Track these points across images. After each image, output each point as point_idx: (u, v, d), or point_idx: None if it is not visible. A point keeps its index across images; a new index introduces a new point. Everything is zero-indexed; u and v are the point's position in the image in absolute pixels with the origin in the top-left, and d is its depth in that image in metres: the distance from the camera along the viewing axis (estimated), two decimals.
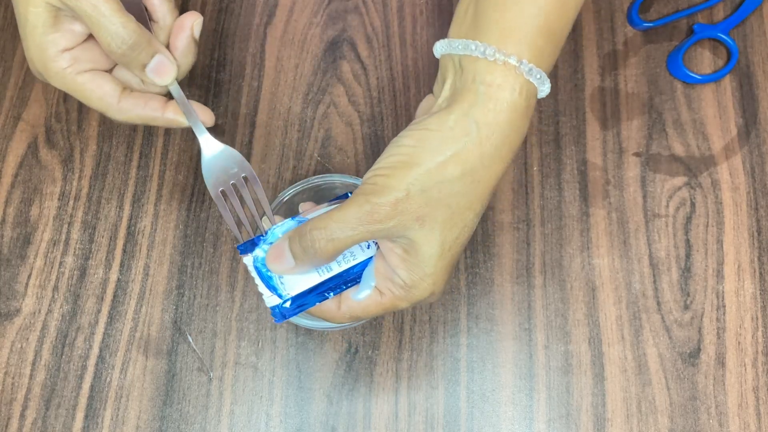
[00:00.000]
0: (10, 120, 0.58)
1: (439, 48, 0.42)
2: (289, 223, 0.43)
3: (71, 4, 0.41)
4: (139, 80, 0.46)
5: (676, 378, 0.51)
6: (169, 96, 0.46)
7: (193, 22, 0.45)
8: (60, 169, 0.57)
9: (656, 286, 0.53)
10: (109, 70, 0.46)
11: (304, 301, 0.43)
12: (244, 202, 0.45)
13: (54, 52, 0.43)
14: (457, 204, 0.39)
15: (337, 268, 0.43)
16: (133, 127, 0.58)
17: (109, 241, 0.55)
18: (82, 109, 0.58)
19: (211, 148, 0.44)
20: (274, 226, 0.43)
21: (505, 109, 0.39)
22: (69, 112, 0.58)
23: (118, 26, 0.42)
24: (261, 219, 0.44)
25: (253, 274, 0.43)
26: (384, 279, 0.41)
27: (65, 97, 0.59)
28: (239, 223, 0.45)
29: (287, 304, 0.43)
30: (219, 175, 0.44)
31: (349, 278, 0.43)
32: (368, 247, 0.43)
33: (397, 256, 0.40)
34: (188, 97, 0.46)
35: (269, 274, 0.42)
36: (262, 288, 0.43)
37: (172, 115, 0.45)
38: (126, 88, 0.45)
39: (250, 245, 0.44)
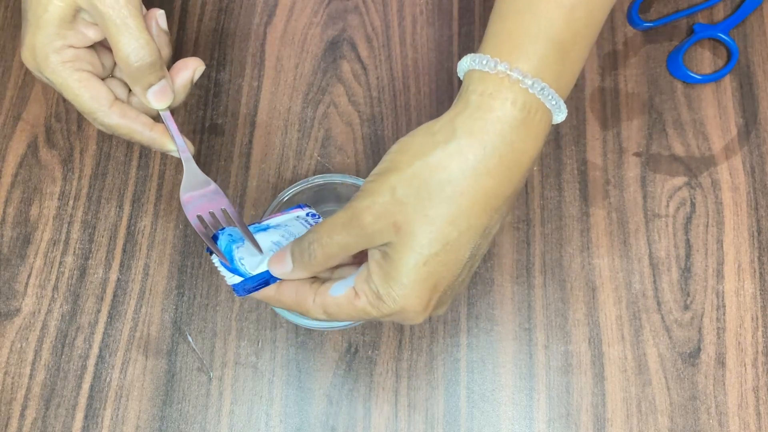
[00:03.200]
0: (10, 120, 0.58)
1: (459, 67, 0.41)
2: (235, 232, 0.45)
3: (102, 10, 0.42)
4: (126, 97, 0.47)
5: (676, 378, 0.51)
6: (157, 119, 0.47)
7: (196, 66, 0.47)
8: (60, 168, 0.57)
9: (656, 286, 0.53)
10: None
11: (264, 276, 0.43)
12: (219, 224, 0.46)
13: (60, 44, 0.43)
14: (436, 215, 0.37)
15: None
16: None
17: (109, 241, 0.55)
18: None
19: (193, 176, 0.45)
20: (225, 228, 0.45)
21: (494, 120, 0.37)
22: (69, 112, 0.58)
23: (142, 42, 0.43)
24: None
25: (217, 264, 0.44)
26: (363, 281, 0.40)
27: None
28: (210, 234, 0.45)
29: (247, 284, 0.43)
30: (197, 203, 0.45)
31: None
32: None
33: (375, 262, 0.39)
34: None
35: (234, 265, 0.43)
36: (224, 271, 0.43)
37: (158, 135, 0.45)
38: (117, 98, 0.46)
39: (213, 244, 0.44)
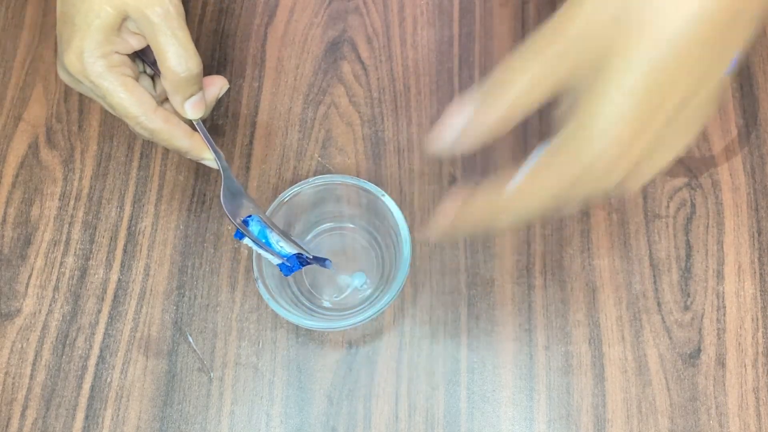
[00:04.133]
0: (11, 120, 0.58)
1: None
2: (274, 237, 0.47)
3: (153, 20, 0.43)
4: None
5: (677, 379, 0.51)
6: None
7: (222, 85, 0.49)
8: (61, 169, 0.57)
9: (656, 287, 0.53)
10: None
11: (303, 255, 0.47)
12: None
13: (109, 50, 0.44)
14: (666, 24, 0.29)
15: None
16: None
17: (110, 242, 0.55)
18: (82, 109, 0.58)
19: (230, 184, 0.48)
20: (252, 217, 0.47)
21: None
22: (70, 113, 0.58)
23: (190, 53, 0.44)
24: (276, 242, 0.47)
25: (254, 246, 0.46)
26: (555, 139, 0.33)
27: (66, 97, 0.59)
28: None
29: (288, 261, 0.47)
30: (234, 210, 0.47)
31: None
32: None
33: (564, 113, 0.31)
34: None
35: (270, 242, 0.46)
36: (266, 253, 0.46)
37: (196, 143, 0.47)
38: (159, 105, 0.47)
39: (241, 231, 0.47)
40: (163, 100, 0.49)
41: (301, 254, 0.47)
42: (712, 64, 0.31)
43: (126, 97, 0.45)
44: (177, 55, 0.44)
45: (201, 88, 0.47)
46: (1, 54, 0.60)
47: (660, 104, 0.31)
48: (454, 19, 0.61)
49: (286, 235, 0.47)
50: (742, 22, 0.31)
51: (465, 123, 0.34)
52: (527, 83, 0.32)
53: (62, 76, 0.47)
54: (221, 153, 0.48)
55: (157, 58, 0.45)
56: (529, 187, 0.34)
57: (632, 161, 0.32)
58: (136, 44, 0.46)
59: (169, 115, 0.46)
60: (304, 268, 0.49)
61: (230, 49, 0.60)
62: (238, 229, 0.46)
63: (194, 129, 0.48)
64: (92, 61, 0.44)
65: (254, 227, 0.46)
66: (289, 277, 0.53)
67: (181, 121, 0.47)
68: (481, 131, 0.34)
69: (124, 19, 0.44)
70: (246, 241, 0.47)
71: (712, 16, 0.30)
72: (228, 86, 0.50)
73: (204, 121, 0.48)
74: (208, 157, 0.48)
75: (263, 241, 0.46)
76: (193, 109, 0.46)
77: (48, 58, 0.60)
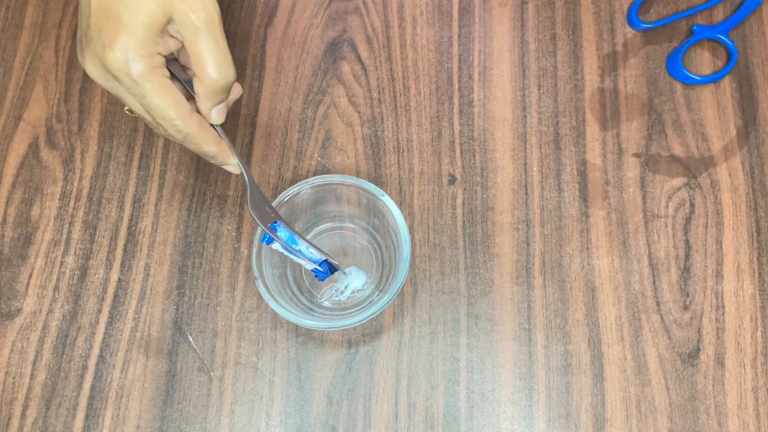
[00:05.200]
0: (11, 120, 0.58)
1: None
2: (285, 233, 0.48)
3: (198, 26, 0.43)
4: None
5: (676, 378, 0.51)
6: None
7: (239, 90, 0.50)
8: (61, 169, 0.57)
9: (656, 287, 0.53)
10: None
11: (330, 261, 0.49)
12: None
13: (154, 50, 0.44)
14: None
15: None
16: (134, 128, 0.58)
17: (110, 241, 0.55)
18: (82, 109, 0.58)
19: (255, 192, 0.48)
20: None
21: None
22: (70, 113, 0.58)
23: (229, 62, 0.45)
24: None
25: (286, 252, 0.48)
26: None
27: (66, 97, 0.59)
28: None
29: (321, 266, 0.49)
30: (259, 216, 0.48)
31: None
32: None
33: None
34: None
35: (298, 248, 0.48)
36: (298, 258, 0.48)
37: (223, 149, 0.47)
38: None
39: (268, 235, 0.47)
40: None
41: (329, 260, 0.48)
42: None
43: (165, 98, 0.44)
44: (216, 62, 0.44)
45: (229, 96, 0.47)
46: (1, 54, 0.60)
47: None
48: (454, 20, 0.61)
49: (309, 242, 0.48)
50: None
51: None
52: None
53: (92, 70, 0.45)
54: (241, 160, 0.49)
55: (194, 63, 0.45)
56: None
57: None
58: (174, 47, 0.46)
59: (203, 120, 0.46)
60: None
61: (230, 50, 0.60)
62: (265, 233, 0.47)
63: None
64: (138, 60, 0.44)
65: (282, 233, 0.47)
66: (289, 277, 0.53)
67: (211, 127, 0.47)
68: None
69: (169, 21, 0.44)
70: (275, 246, 0.47)
71: None
72: (242, 92, 0.51)
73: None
74: (233, 163, 0.48)
75: (294, 246, 0.47)
76: (219, 116, 0.47)
77: (48, 58, 0.60)
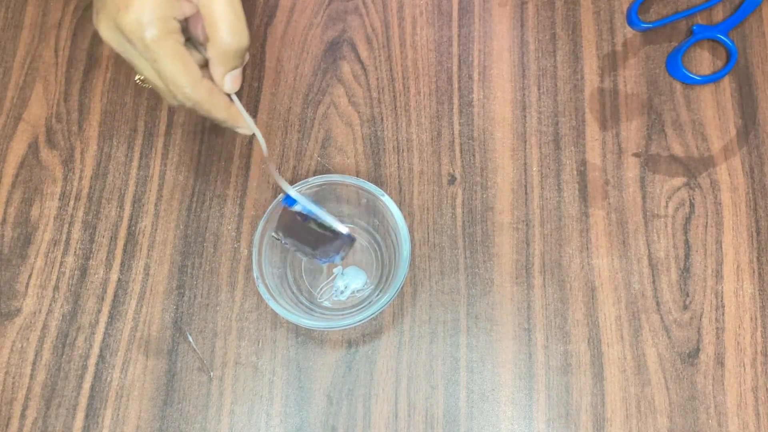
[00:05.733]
0: (11, 120, 0.58)
1: None
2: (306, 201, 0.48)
3: None
4: None
5: (675, 378, 0.51)
6: None
7: (246, 56, 0.49)
8: (60, 169, 0.57)
9: (655, 287, 0.53)
10: None
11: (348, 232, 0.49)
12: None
13: (170, 14, 0.44)
14: None
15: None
16: (134, 128, 0.58)
17: (110, 241, 0.55)
18: (82, 109, 0.58)
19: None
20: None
21: None
22: (70, 113, 0.58)
23: (243, 26, 0.44)
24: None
25: (315, 209, 0.48)
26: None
27: (66, 97, 0.59)
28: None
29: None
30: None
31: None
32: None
33: None
34: None
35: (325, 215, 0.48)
36: (334, 222, 0.48)
37: (234, 113, 0.47)
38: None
39: (290, 198, 0.48)
40: None
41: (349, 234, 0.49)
42: None
43: (177, 64, 0.44)
44: (230, 26, 0.43)
45: (243, 63, 0.47)
46: (1, 54, 0.60)
47: None
48: (453, 19, 0.61)
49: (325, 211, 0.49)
50: None
51: None
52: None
53: (106, 33, 0.45)
54: (261, 137, 0.49)
55: (208, 27, 0.44)
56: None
57: None
58: (188, 11, 0.45)
59: (213, 87, 0.46)
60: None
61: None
62: (287, 195, 0.47)
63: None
64: (153, 23, 0.43)
65: (299, 206, 0.48)
66: (289, 277, 0.53)
67: (222, 92, 0.47)
68: None
69: None
70: (298, 207, 0.48)
71: None
72: (248, 58, 0.50)
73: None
74: (243, 125, 0.48)
75: (312, 215, 0.48)
76: (233, 83, 0.46)
77: (48, 58, 0.60)
